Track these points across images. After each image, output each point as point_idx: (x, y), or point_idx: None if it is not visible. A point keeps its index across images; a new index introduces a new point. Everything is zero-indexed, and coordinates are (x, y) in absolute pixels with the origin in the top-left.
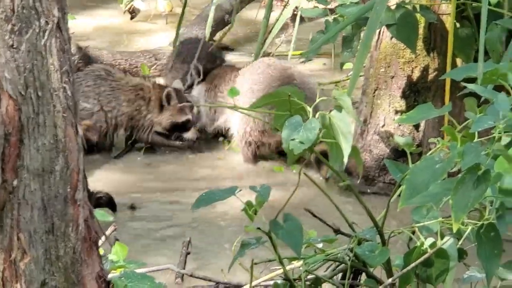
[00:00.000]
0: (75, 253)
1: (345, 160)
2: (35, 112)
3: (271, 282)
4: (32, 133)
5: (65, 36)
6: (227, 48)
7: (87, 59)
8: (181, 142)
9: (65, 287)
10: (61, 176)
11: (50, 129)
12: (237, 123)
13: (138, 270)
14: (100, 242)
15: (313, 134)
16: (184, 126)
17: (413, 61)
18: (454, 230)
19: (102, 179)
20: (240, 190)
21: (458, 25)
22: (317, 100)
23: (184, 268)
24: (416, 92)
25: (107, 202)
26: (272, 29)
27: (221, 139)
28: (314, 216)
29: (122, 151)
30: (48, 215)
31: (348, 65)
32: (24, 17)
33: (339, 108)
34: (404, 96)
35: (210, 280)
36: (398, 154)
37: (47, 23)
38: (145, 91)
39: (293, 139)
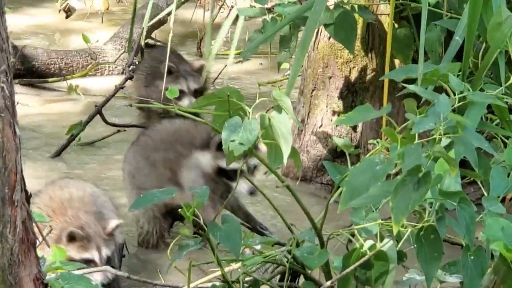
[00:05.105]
0: (12, 254)
1: (285, 161)
2: None
3: (209, 285)
4: None
5: (3, 35)
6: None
7: (23, 58)
8: None
9: None
10: None
11: None
12: None
13: (75, 272)
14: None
15: (253, 135)
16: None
17: (351, 61)
18: (394, 233)
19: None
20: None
21: (396, 25)
22: (257, 101)
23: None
24: (353, 93)
25: None
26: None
27: None
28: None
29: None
30: None
31: (285, 65)
32: None
33: (279, 109)
34: (341, 96)
35: (145, 282)
36: (336, 155)
37: None
38: None
39: (232, 140)
